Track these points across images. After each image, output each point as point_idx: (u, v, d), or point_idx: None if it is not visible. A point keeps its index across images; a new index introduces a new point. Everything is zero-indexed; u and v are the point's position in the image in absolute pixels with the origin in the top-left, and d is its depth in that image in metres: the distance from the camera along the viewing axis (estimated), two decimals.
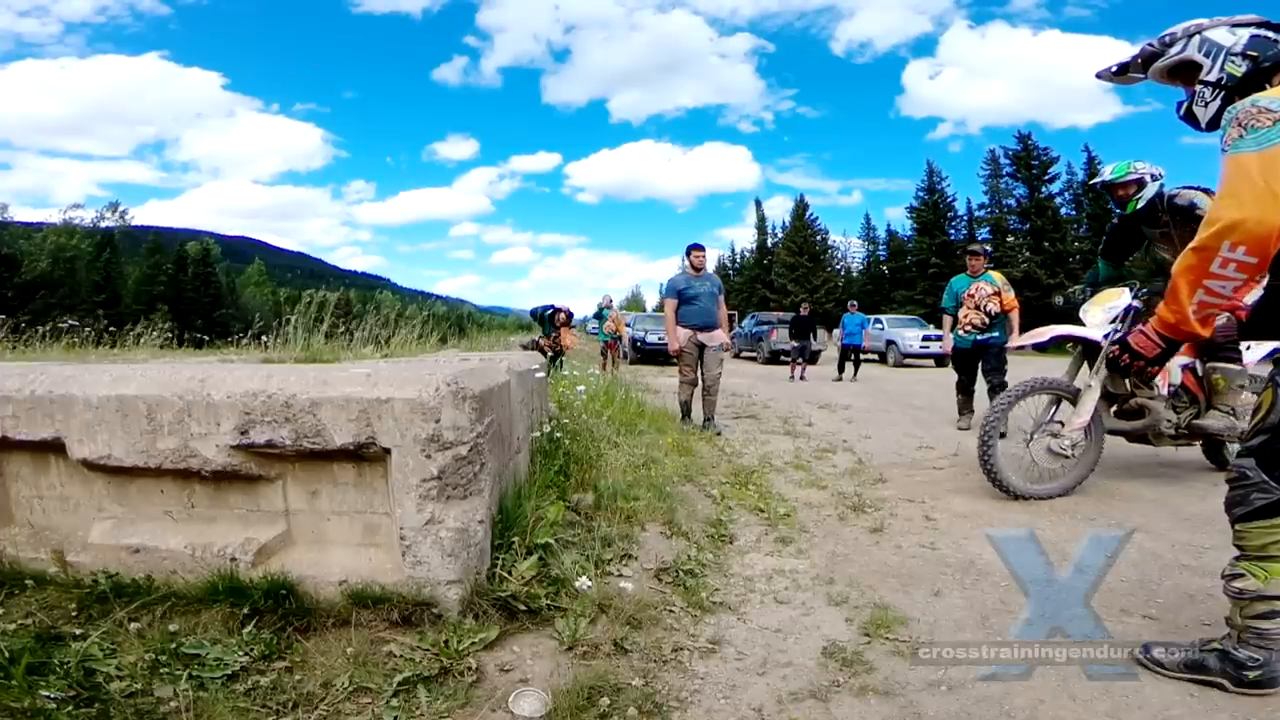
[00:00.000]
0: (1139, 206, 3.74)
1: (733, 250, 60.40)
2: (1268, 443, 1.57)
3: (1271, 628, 1.58)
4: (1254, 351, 3.67)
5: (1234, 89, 1.67)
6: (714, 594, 2.22)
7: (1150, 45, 1.91)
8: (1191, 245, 1.53)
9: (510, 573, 1.89)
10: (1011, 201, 40.75)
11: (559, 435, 3.06)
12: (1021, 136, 40.89)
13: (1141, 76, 1.99)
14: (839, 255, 51.63)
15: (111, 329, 7.38)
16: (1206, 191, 3.67)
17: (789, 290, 44.05)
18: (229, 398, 1.77)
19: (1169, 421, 3.63)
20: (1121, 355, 1.79)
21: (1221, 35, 1.73)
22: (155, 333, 7.79)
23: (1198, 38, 1.78)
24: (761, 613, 2.13)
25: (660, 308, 12.44)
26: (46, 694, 1.36)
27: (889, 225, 55.01)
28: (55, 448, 1.90)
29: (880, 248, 49.22)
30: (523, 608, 1.83)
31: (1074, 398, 3.51)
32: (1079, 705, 1.60)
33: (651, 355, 16.17)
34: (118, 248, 49.20)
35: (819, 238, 50.00)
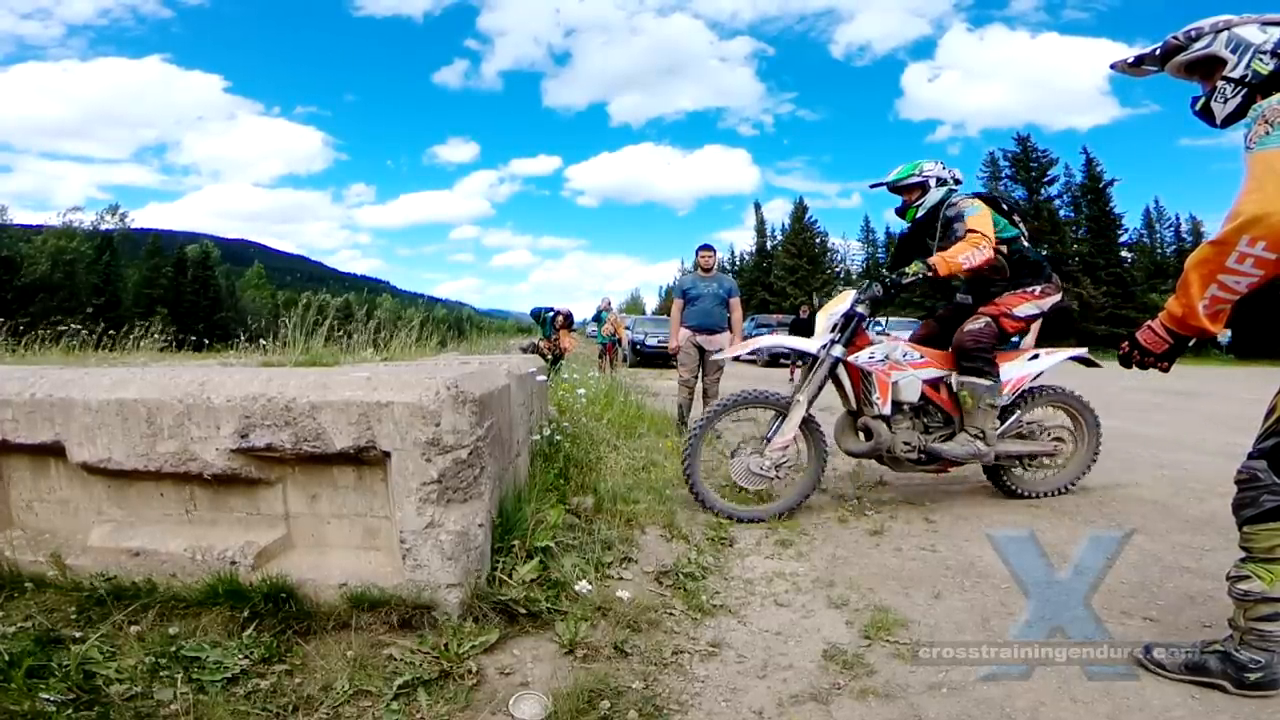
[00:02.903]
0: (918, 215, 3.33)
1: (732, 253, 60.32)
2: None
3: (1274, 629, 1.58)
4: (1044, 360, 3.32)
5: (1257, 87, 1.64)
6: (714, 597, 2.22)
7: (1174, 38, 1.87)
8: (1209, 239, 1.51)
9: (510, 576, 1.90)
10: None
11: (559, 438, 3.07)
12: (1020, 139, 40.98)
13: (1155, 69, 1.94)
14: (838, 258, 51.72)
15: (111, 332, 7.37)
16: (985, 198, 3.29)
17: (788, 293, 44.05)
18: (229, 401, 1.77)
19: (906, 444, 3.17)
20: (1131, 352, 1.76)
21: (1251, 33, 1.70)
22: (155, 336, 7.77)
23: (1225, 33, 1.74)
24: (762, 615, 2.13)
25: (659, 310, 12.43)
26: (46, 697, 1.36)
27: (888, 228, 54.89)
28: (55, 451, 1.90)
29: (879, 250, 49.28)
30: (523, 611, 1.83)
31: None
32: (1080, 706, 1.60)
33: (651, 358, 16.16)
34: (117, 250, 49.22)
35: (818, 240, 50.11)
